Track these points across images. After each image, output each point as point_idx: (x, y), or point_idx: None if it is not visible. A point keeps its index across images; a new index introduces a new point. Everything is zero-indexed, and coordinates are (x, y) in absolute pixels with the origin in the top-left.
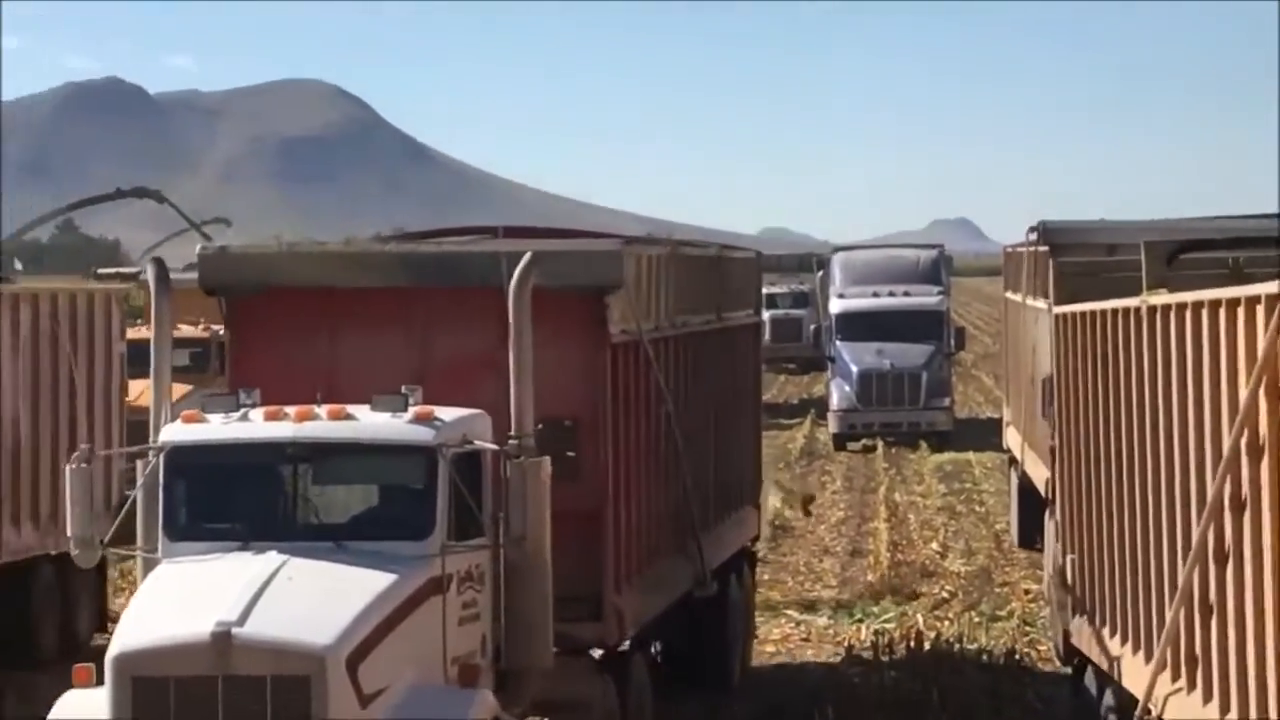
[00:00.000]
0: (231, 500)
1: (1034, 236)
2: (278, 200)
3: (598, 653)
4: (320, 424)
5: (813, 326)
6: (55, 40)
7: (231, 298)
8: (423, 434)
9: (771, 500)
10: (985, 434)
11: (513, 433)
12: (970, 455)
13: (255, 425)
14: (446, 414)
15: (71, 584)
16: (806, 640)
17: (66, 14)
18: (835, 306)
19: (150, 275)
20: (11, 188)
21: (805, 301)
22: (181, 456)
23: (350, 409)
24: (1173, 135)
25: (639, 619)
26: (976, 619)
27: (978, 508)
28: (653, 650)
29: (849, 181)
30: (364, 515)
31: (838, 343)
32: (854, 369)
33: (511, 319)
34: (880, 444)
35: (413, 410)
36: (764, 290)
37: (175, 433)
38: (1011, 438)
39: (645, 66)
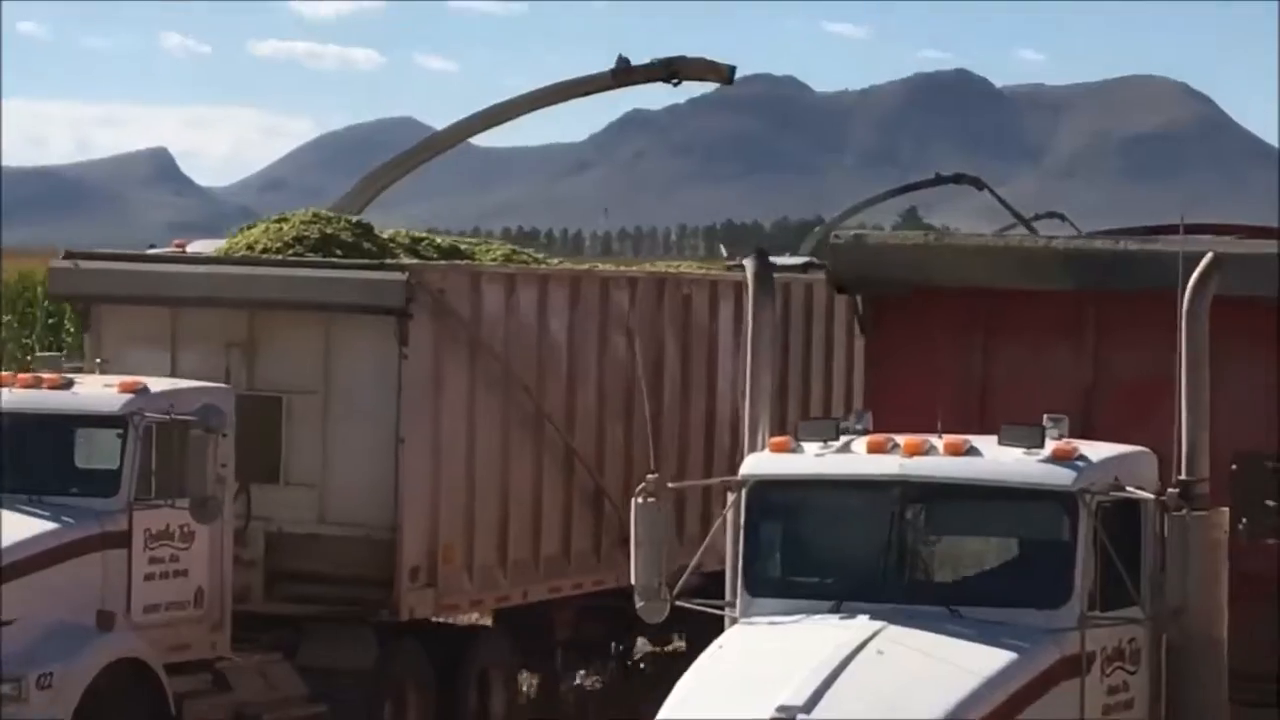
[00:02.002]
0: (824, 549)
1: None
2: (1117, 197)
3: None
4: (934, 460)
5: None
6: (908, 33)
7: (869, 296)
8: (1060, 476)
9: None
10: None
11: (1181, 476)
12: None
13: (855, 458)
14: (1096, 451)
15: None
16: None
17: (920, 10)
18: None
19: (749, 269)
20: (860, 172)
21: None
22: (766, 493)
23: (974, 441)
24: None
25: None
26: None
27: None
28: None
29: None
30: (984, 574)
31: None
32: None
33: (1184, 332)
34: None
35: (1051, 445)
36: None
37: (760, 464)
38: None
39: None
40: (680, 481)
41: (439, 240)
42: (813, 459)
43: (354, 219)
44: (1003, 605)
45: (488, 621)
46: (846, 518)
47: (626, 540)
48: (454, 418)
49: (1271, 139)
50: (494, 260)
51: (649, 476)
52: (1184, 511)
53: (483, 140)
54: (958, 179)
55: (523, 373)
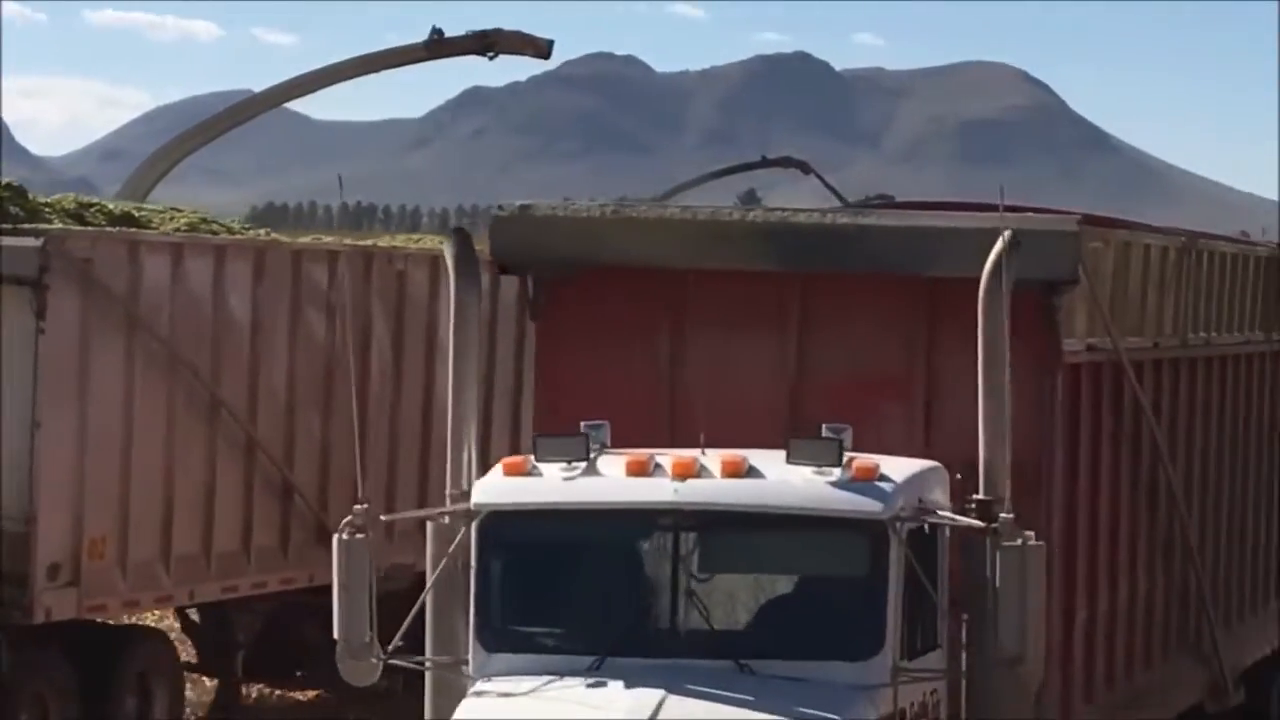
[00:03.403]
0: (579, 595)
1: None
2: (953, 182)
3: None
4: (713, 484)
5: None
6: (748, 15)
7: (538, 278)
8: (867, 501)
9: None
10: None
11: (979, 495)
12: None
13: (614, 483)
14: (894, 467)
15: None
16: None
17: None
18: None
19: (448, 251)
20: (700, 152)
21: None
22: (503, 527)
23: (755, 459)
24: None
25: None
26: None
27: None
28: None
29: None
30: (779, 621)
31: None
32: None
33: (981, 328)
34: None
35: (851, 463)
36: None
37: (492, 490)
38: None
39: None
40: (393, 511)
41: (111, 206)
42: (560, 484)
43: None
44: (803, 658)
45: (169, 622)
46: (606, 555)
47: (321, 536)
48: (105, 401)
49: (1107, 126)
50: (177, 230)
51: (356, 508)
52: (1020, 541)
53: (322, 114)
54: (784, 162)
55: (193, 354)
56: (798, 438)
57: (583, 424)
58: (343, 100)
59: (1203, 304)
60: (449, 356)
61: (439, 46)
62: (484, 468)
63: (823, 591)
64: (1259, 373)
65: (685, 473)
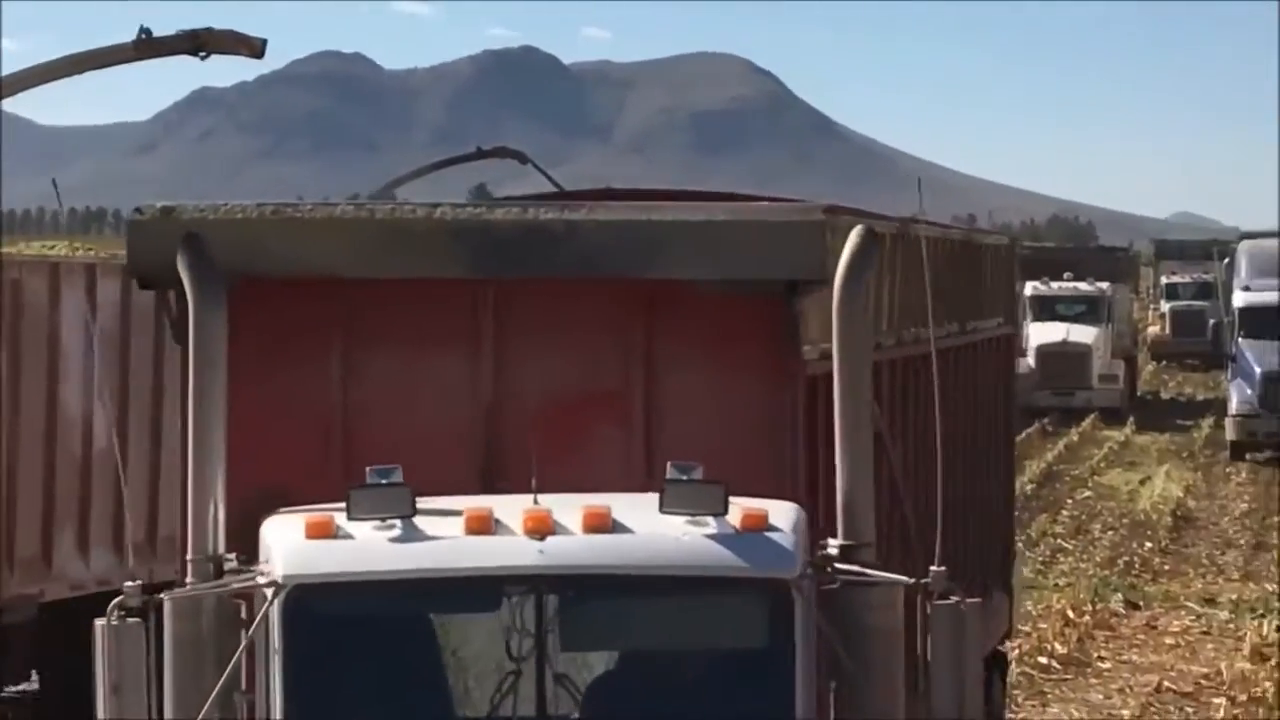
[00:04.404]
0: (416, 682)
1: None
2: (687, 172)
3: None
4: (581, 541)
5: (1212, 322)
6: (476, 11)
7: (182, 292)
8: (770, 558)
9: (1173, 490)
10: None
11: (841, 540)
12: None
13: (455, 544)
14: (779, 515)
15: None
16: (1207, 634)
17: None
18: (1239, 300)
19: (181, 262)
20: (431, 149)
21: (1209, 293)
22: (321, 604)
23: (617, 508)
24: None
25: None
26: None
27: None
28: None
29: (1262, 164)
30: (661, 704)
31: (1240, 340)
32: (1257, 370)
33: (836, 344)
34: None
35: (738, 512)
36: (1165, 280)
37: (298, 557)
38: None
39: (1056, 39)
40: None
41: None
42: (386, 547)
43: None
44: None
45: None
46: (449, 634)
47: None
48: None
49: (832, 114)
50: None
51: (127, 585)
52: (954, 600)
53: (48, 119)
54: (499, 152)
55: None
56: (672, 481)
57: (370, 469)
58: (67, 104)
59: (915, 294)
60: (190, 391)
61: (148, 46)
62: (151, 519)
63: (718, 666)
64: (983, 362)
65: (540, 529)
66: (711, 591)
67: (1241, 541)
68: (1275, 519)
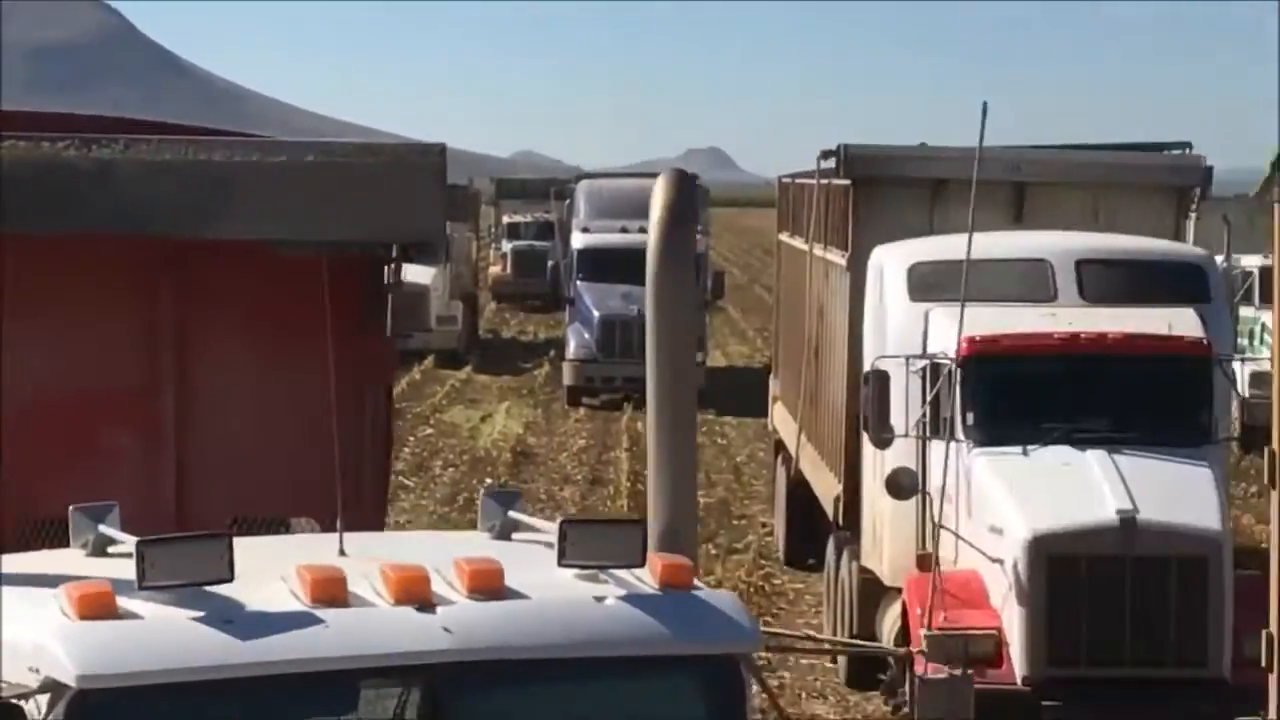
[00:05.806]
0: None
1: (829, 164)
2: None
3: None
4: (481, 611)
5: (551, 263)
6: None
7: None
8: (720, 629)
9: (514, 427)
10: (742, 395)
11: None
12: (730, 421)
13: (330, 626)
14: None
15: None
16: None
17: None
18: (577, 242)
19: None
20: None
21: (550, 233)
22: (125, 712)
23: (496, 563)
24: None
25: None
26: (714, 551)
27: (719, 440)
28: None
29: (602, 105)
30: None
31: (578, 283)
32: (595, 314)
33: (651, 320)
34: (626, 404)
35: (657, 564)
36: (506, 220)
37: (100, 652)
38: (781, 420)
39: None
40: None
41: None
42: (201, 634)
43: None
44: None
45: None
46: None
47: None
48: None
49: (178, 50)
50: None
51: None
52: (962, 672)
53: None
54: None
55: None
56: (570, 522)
57: (73, 508)
58: None
59: None
60: None
61: None
62: None
63: None
64: None
65: (417, 595)
66: (651, 673)
67: (579, 477)
68: (612, 454)
